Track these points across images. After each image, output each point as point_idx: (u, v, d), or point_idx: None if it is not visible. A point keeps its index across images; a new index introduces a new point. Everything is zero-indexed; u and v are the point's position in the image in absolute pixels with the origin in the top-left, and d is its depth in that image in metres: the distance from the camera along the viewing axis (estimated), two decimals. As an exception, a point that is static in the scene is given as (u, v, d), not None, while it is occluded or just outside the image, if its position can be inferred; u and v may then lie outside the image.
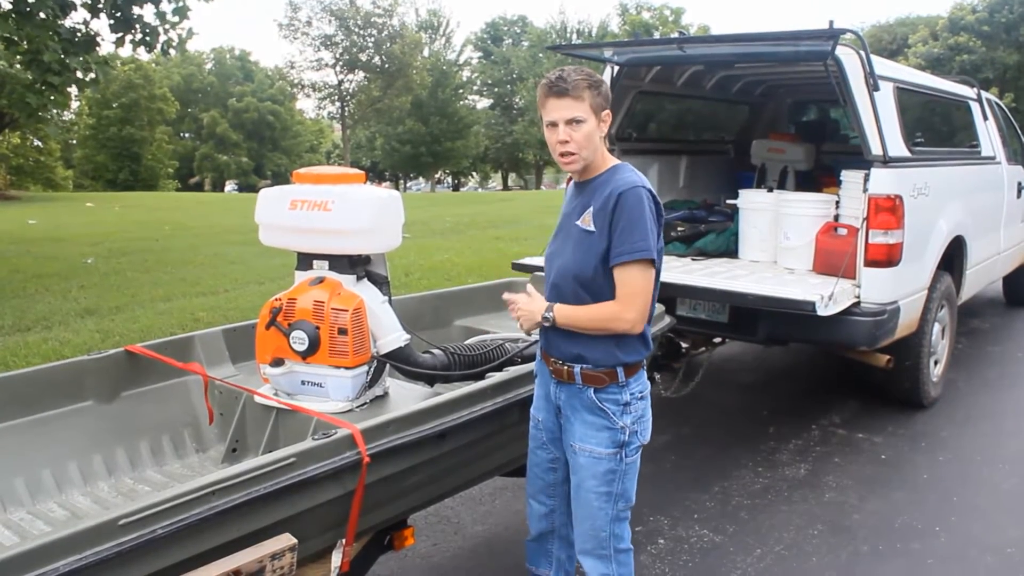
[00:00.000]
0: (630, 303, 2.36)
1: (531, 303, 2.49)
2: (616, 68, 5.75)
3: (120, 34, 10.66)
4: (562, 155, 2.41)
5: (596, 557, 2.55)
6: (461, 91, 54.94)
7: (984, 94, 7.13)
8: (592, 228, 2.39)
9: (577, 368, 2.45)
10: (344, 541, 2.48)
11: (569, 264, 2.44)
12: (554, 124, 2.39)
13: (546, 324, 2.43)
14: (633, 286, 2.35)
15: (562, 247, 2.50)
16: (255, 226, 3.22)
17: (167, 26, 10.82)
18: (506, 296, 2.59)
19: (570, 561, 2.82)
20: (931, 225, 5.23)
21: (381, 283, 3.19)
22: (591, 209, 2.40)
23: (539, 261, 5.45)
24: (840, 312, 4.51)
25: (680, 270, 5.22)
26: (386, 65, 46.75)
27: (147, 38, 10.75)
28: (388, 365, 3.15)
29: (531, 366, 2.98)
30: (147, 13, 10.71)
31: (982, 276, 6.71)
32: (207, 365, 3.41)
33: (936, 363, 5.66)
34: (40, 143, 34.87)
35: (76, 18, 12.79)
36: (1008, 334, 7.83)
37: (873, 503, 4.20)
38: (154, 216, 20.08)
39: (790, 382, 6.44)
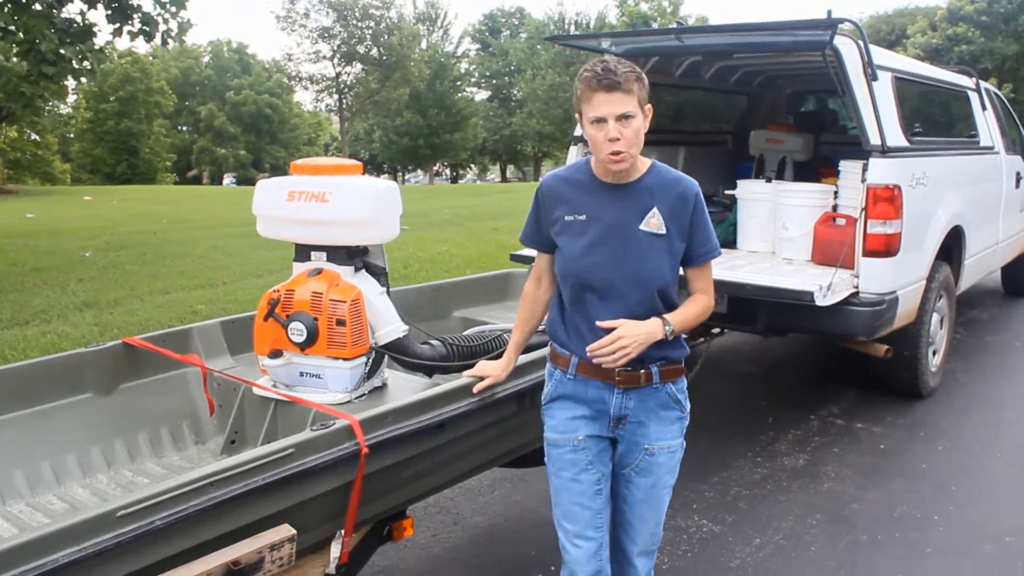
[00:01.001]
0: (713, 293, 2.43)
1: (633, 328, 2.24)
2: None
3: (117, 24, 10.63)
4: (613, 154, 2.19)
5: (648, 554, 2.52)
6: (459, 83, 54.84)
7: (983, 84, 7.13)
8: (663, 231, 2.28)
9: (655, 368, 2.34)
10: (343, 532, 2.49)
11: (641, 269, 2.28)
12: (602, 120, 2.17)
13: (671, 337, 2.30)
14: (711, 278, 2.43)
15: (620, 254, 2.28)
16: (253, 219, 3.22)
17: (166, 15, 10.79)
18: (596, 346, 2.25)
19: None
20: (929, 215, 5.22)
21: (379, 274, 3.18)
22: (656, 211, 2.28)
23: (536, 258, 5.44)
24: (839, 302, 4.51)
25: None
26: (384, 57, 46.65)
27: (145, 28, 10.72)
28: (386, 356, 3.14)
29: (529, 356, 2.96)
30: (145, 3, 10.70)
31: (981, 266, 6.71)
32: (205, 357, 3.41)
33: (935, 353, 5.66)
34: (37, 137, 34.81)
35: (72, 9, 12.74)
36: (1007, 324, 7.84)
37: (872, 493, 4.21)
38: (152, 209, 20.06)
39: (789, 372, 6.44)
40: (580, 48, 6.33)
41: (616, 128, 2.16)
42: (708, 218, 2.37)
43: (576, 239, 2.33)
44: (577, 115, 2.30)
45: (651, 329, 2.26)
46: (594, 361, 2.27)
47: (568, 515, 2.42)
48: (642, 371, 2.33)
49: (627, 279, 2.29)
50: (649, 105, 2.25)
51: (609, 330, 2.26)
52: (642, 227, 2.28)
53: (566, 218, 2.35)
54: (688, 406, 2.47)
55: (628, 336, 2.23)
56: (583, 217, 2.33)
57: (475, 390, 2.73)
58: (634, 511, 2.46)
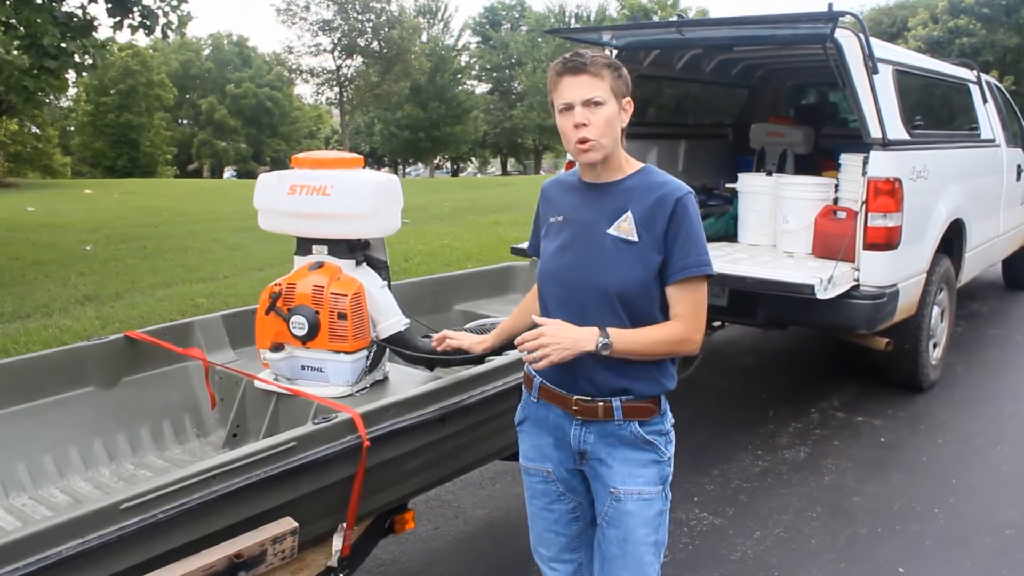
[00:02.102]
0: (697, 322, 2.06)
1: (562, 330, 2.00)
2: (615, 52, 5.73)
3: (118, 18, 10.62)
4: (580, 141, 2.02)
5: None
6: (460, 76, 54.74)
7: (984, 77, 7.11)
8: (634, 238, 2.03)
9: (617, 402, 2.08)
10: (345, 525, 2.49)
11: (603, 279, 2.04)
12: (569, 107, 2.01)
13: (604, 352, 1.98)
14: (698, 303, 2.06)
15: (583, 259, 2.08)
16: (254, 212, 3.22)
17: (166, 8, 10.78)
18: (520, 338, 2.04)
19: None
20: (930, 208, 5.22)
21: (380, 268, 3.19)
22: (629, 215, 2.05)
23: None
24: (839, 295, 4.51)
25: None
26: (384, 50, 46.54)
27: (146, 21, 10.71)
28: (388, 350, 3.15)
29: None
30: (145, -5, 10.70)
31: (981, 259, 6.71)
32: (207, 350, 3.42)
33: (935, 346, 5.66)
34: (38, 130, 34.76)
35: (73, 2, 12.73)
36: (1007, 317, 7.84)
37: (872, 486, 4.21)
38: (153, 203, 20.04)
39: (789, 366, 6.45)
40: (581, 41, 6.32)
41: (582, 113, 2.00)
42: (694, 230, 2.04)
43: (552, 241, 2.19)
44: (552, 110, 2.11)
45: (581, 336, 1.98)
46: (522, 359, 2.07)
47: (542, 540, 2.33)
48: (600, 403, 2.09)
49: (588, 287, 2.07)
50: (628, 99, 2.08)
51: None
52: (610, 231, 2.07)
53: (550, 220, 2.23)
54: (669, 452, 2.17)
55: (551, 335, 1.98)
56: (561, 218, 2.19)
57: (435, 340, 2.61)
58: (609, 571, 2.16)
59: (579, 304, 2.08)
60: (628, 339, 2.00)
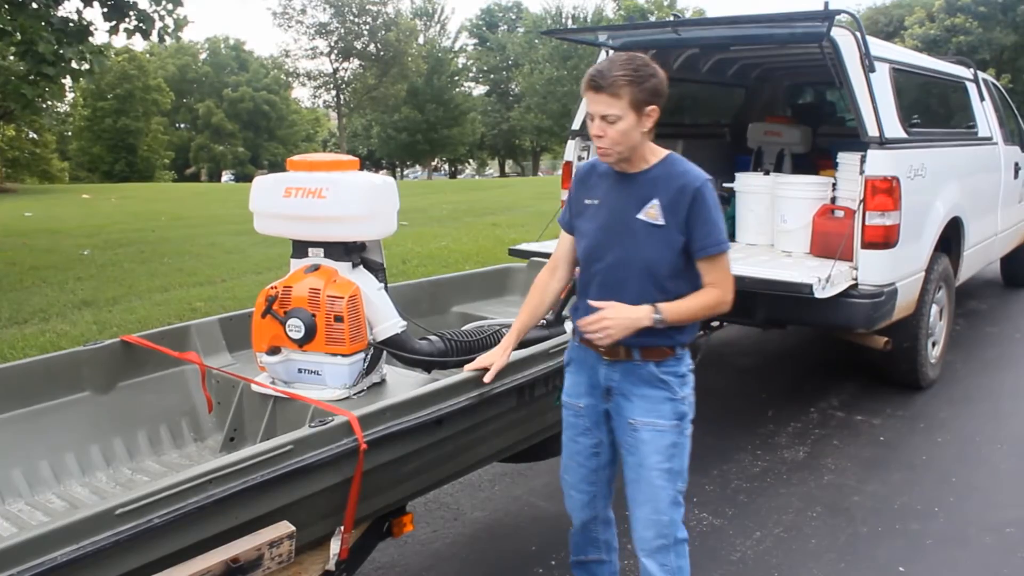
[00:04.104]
0: (728, 287, 2.44)
1: (619, 311, 2.35)
2: (611, 52, 5.72)
3: (114, 22, 10.61)
4: (598, 148, 2.38)
5: (656, 550, 2.49)
6: (457, 78, 54.76)
7: (981, 75, 7.12)
8: (661, 222, 2.36)
9: (636, 348, 2.43)
10: (343, 528, 2.48)
11: (636, 258, 2.39)
12: (592, 117, 2.35)
13: (659, 326, 2.34)
14: (726, 272, 2.43)
15: (617, 240, 2.42)
16: (251, 216, 3.21)
17: (162, 12, 10.77)
18: (583, 321, 2.40)
19: (614, 539, 2.84)
20: (928, 206, 5.22)
21: (377, 270, 3.18)
22: (656, 203, 2.37)
23: (536, 247, 5.44)
24: (838, 294, 4.50)
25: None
26: (381, 53, 46.54)
27: (141, 25, 10.70)
28: (385, 352, 3.14)
29: (529, 351, 2.98)
30: (141, 0, 10.68)
31: (979, 257, 6.71)
32: (204, 354, 3.41)
33: (934, 345, 5.66)
34: (36, 135, 34.74)
35: (69, 8, 12.71)
36: (1006, 315, 7.84)
37: (872, 485, 4.21)
38: (150, 207, 20.04)
39: (788, 365, 6.44)
40: (577, 42, 6.33)
41: (599, 127, 2.33)
42: (712, 212, 2.37)
43: (589, 222, 2.50)
44: None
45: (638, 315, 2.34)
46: (585, 336, 2.42)
47: (567, 468, 2.71)
48: (622, 347, 2.43)
49: (622, 265, 2.41)
50: (653, 107, 2.32)
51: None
52: (639, 216, 2.39)
53: (585, 201, 2.54)
54: (683, 392, 2.48)
55: (612, 318, 2.34)
56: (597, 201, 2.50)
57: (486, 380, 2.73)
58: (631, 495, 2.53)
59: (617, 280, 2.42)
60: (677, 309, 2.37)
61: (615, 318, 2.33)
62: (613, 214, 2.44)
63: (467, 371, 2.77)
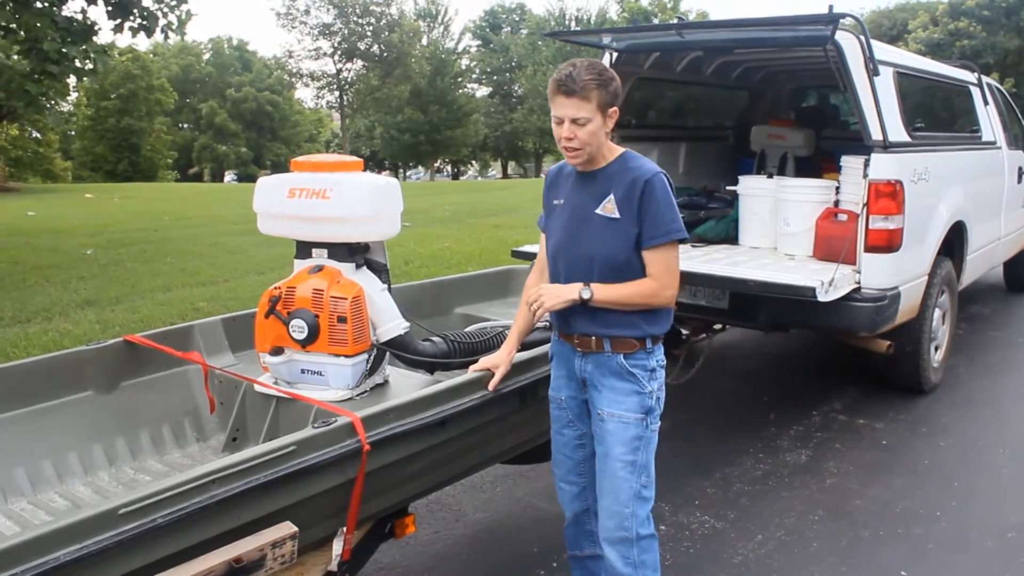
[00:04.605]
0: (669, 279, 2.51)
1: (552, 287, 2.55)
2: (615, 55, 5.73)
3: (118, 20, 10.61)
4: (567, 149, 2.47)
5: (617, 541, 2.54)
6: (460, 79, 54.80)
7: (984, 79, 7.11)
8: (617, 215, 2.48)
9: (607, 338, 2.53)
10: (345, 529, 2.49)
11: (594, 250, 2.50)
12: (560, 120, 2.43)
13: (584, 300, 2.46)
14: (669, 263, 2.51)
15: (577, 236, 2.55)
16: (254, 216, 3.22)
17: (165, 9, 10.77)
18: (526, 296, 2.62)
19: None
20: (931, 210, 5.21)
21: (380, 271, 3.18)
22: (611, 197, 2.49)
23: (539, 248, 5.43)
24: (840, 298, 4.50)
25: (680, 256, 5.19)
26: (384, 54, 46.59)
27: (145, 23, 10.70)
28: (388, 353, 3.14)
29: (532, 353, 2.98)
30: (145, -2, 10.69)
31: (983, 261, 6.70)
32: (207, 354, 3.41)
33: (937, 349, 5.65)
34: (39, 135, 34.77)
35: (74, 7, 12.72)
36: (1009, 319, 7.83)
37: (874, 488, 4.20)
38: (153, 207, 20.06)
39: (791, 368, 6.44)
40: (581, 44, 6.32)
41: (570, 129, 2.42)
42: (661, 204, 2.46)
43: (556, 220, 2.64)
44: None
45: (567, 290, 2.50)
46: (531, 308, 2.56)
47: (555, 461, 2.82)
48: (591, 338, 2.55)
49: (584, 258, 2.53)
50: (615, 108, 2.46)
51: None
52: (598, 211, 2.52)
53: (553, 202, 2.68)
54: (651, 387, 2.55)
55: (545, 290, 2.54)
56: (561, 201, 2.63)
57: (491, 386, 2.77)
58: (598, 485, 2.63)
59: (581, 273, 2.53)
60: (606, 291, 2.48)
61: (548, 290, 2.53)
62: (575, 211, 2.57)
63: (472, 372, 2.79)
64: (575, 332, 2.59)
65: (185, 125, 55.15)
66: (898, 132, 4.86)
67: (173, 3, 10.79)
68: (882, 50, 5.00)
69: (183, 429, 3.30)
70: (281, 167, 44.97)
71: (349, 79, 48.48)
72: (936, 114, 6.40)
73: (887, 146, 4.66)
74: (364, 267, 3.13)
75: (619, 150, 2.57)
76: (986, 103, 6.88)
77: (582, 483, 2.77)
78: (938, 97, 6.47)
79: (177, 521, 1.98)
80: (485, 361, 2.84)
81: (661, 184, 2.47)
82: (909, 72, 5.42)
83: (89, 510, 1.90)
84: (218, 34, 72.76)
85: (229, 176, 54.82)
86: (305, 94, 63.15)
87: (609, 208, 2.49)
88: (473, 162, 65.04)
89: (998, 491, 4.20)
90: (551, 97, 2.45)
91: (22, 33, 9.89)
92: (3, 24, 9.55)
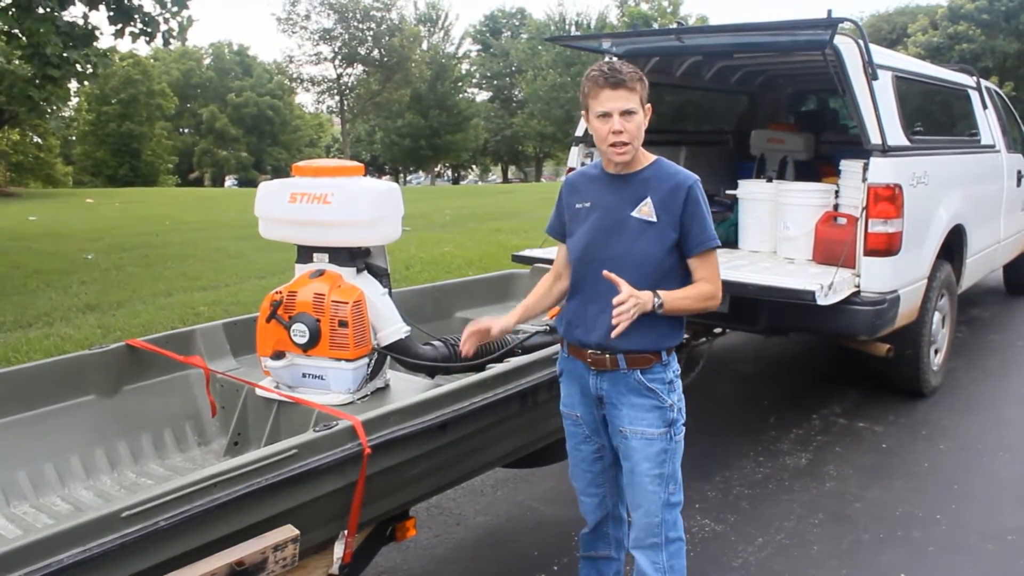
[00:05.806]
0: (719, 283, 2.54)
1: (638, 295, 2.35)
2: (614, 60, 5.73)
3: (119, 26, 10.64)
4: (614, 145, 2.43)
5: (648, 547, 2.56)
6: (460, 84, 54.84)
7: (984, 83, 7.12)
8: (654, 219, 2.47)
9: (620, 354, 2.50)
10: (346, 532, 2.50)
11: (628, 254, 2.47)
12: (607, 115, 2.41)
13: (659, 311, 2.40)
14: (716, 268, 2.54)
15: (609, 238, 2.51)
16: (255, 221, 3.23)
17: (167, 15, 10.79)
18: (618, 299, 2.33)
19: (625, 537, 2.84)
20: (931, 214, 5.22)
21: (381, 275, 3.19)
22: (649, 201, 2.48)
23: (539, 253, 5.45)
24: (840, 301, 4.50)
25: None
26: (385, 59, 46.68)
27: (147, 28, 10.72)
28: (389, 357, 3.15)
29: (533, 357, 2.99)
30: (146, 3, 10.71)
31: (982, 265, 6.70)
32: (208, 358, 3.42)
33: (936, 352, 5.66)
34: (40, 139, 34.81)
35: (75, 12, 12.75)
36: (1008, 323, 7.83)
37: (874, 492, 4.21)
38: (154, 211, 20.07)
39: (791, 372, 6.44)
40: (581, 49, 6.34)
41: (620, 122, 2.39)
42: (704, 210, 2.49)
43: (581, 224, 2.59)
44: (584, 112, 2.51)
45: (644, 298, 2.37)
46: (612, 321, 2.32)
47: (574, 475, 2.81)
48: (608, 356, 2.51)
49: (616, 260, 2.47)
50: (649, 105, 2.47)
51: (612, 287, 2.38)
52: (633, 214, 2.49)
53: (576, 206, 2.62)
54: (671, 399, 2.55)
55: (629, 295, 2.32)
56: (588, 204, 2.59)
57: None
58: (627, 497, 2.65)
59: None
60: (674, 297, 2.44)
61: (633, 295, 2.33)
62: (607, 213, 2.53)
63: (468, 329, 2.73)
64: (588, 347, 2.54)
65: (186, 130, 55.20)
66: (897, 136, 4.87)
67: (174, 9, 10.81)
68: (881, 54, 5.01)
69: (185, 433, 3.31)
70: (282, 172, 45.00)
71: (349, 84, 48.57)
72: (935, 118, 6.40)
73: (886, 150, 4.67)
74: (365, 271, 3.14)
75: (653, 156, 2.57)
76: (985, 107, 6.90)
77: (602, 493, 2.78)
78: (937, 101, 6.48)
79: (179, 524, 1.99)
80: (478, 322, 2.76)
81: (702, 192, 2.51)
82: (908, 76, 5.44)
83: (91, 513, 1.91)
84: (219, 39, 72.89)
85: (230, 181, 54.87)
86: (306, 99, 63.30)
87: (646, 211, 2.47)
88: (473, 167, 65.08)
89: (998, 494, 4.20)
90: (593, 94, 2.42)
91: (24, 38, 9.91)
92: (6, 29, 9.57)
